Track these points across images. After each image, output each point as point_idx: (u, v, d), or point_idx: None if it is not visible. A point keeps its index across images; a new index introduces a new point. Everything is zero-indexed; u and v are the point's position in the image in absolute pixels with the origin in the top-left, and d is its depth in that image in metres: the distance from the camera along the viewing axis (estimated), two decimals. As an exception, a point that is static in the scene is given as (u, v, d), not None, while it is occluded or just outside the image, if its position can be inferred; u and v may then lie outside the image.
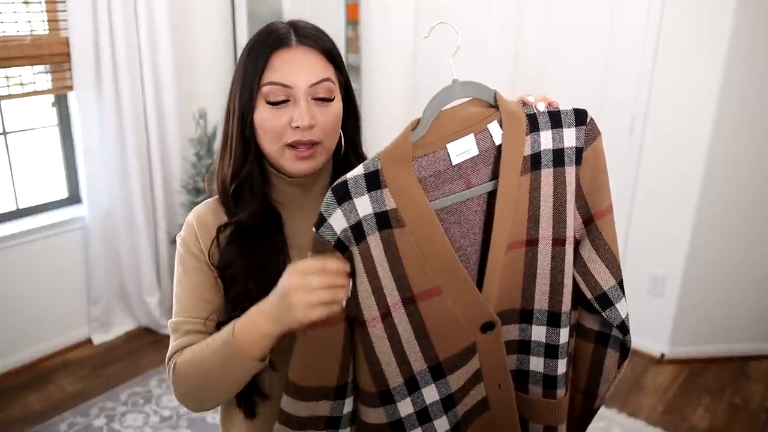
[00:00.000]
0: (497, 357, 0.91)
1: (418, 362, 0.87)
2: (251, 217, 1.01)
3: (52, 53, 2.73)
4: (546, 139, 0.89)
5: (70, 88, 2.82)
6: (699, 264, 2.87)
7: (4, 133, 2.78)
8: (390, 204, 0.82)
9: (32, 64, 2.70)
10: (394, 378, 0.87)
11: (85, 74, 2.78)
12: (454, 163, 0.85)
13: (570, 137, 0.90)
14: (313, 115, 0.96)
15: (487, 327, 0.89)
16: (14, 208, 2.88)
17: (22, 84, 2.72)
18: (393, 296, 0.85)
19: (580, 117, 0.91)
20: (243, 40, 3.31)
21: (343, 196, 0.82)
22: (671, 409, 2.67)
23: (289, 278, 0.83)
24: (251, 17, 3.31)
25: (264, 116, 0.97)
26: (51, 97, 2.92)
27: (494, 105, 0.90)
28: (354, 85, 1.09)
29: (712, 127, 2.66)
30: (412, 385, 0.89)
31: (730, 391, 2.80)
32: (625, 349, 1.00)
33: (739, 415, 2.65)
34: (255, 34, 1.01)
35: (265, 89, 0.97)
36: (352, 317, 0.87)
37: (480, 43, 3.19)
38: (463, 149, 0.85)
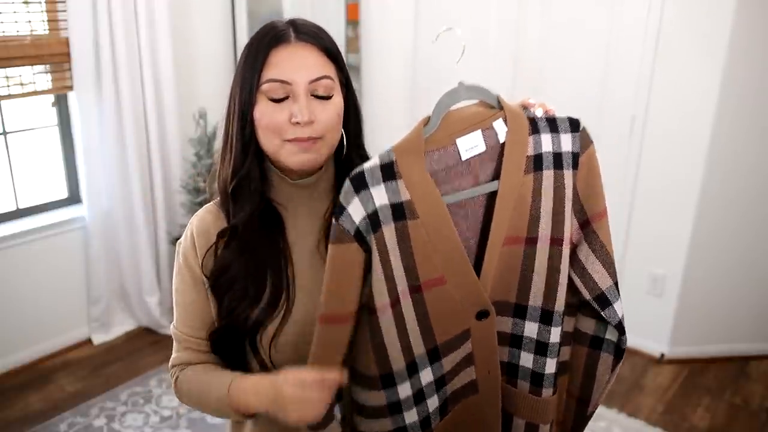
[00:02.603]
0: (489, 343, 0.96)
1: (418, 347, 0.92)
2: (249, 218, 1.00)
3: (52, 53, 2.73)
4: (546, 142, 0.93)
5: (70, 88, 2.82)
6: (699, 264, 2.87)
7: (4, 133, 2.78)
8: (405, 195, 0.86)
9: (32, 64, 2.70)
10: (398, 362, 0.91)
11: (85, 74, 2.78)
12: (463, 159, 0.89)
13: (567, 142, 0.95)
14: (312, 110, 0.96)
15: (482, 314, 0.94)
16: (14, 208, 2.88)
17: (22, 84, 2.72)
18: (402, 284, 0.88)
19: (575, 124, 0.96)
20: (243, 40, 3.31)
21: (360, 185, 0.85)
22: (671, 409, 2.67)
23: (288, 386, 0.89)
24: (251, 17, 3.31)
25: (263, 112, 0.97)
26: (51, 97, 2.92)
27: (498, 107, 0.94)
28: (354, 85, 1.08)
29: (712, 127, 2.66)
30: (412, 369, 0.93)
31: (730, 391, 2.80)
32: (619, 351, 1.02)
33: (739, 415, 2.65)
34: (254, 34, 1.01)
35: (264, 87, 0.96)
36: (364, 305, 0.90)
37: (480, 43, 3.19)
38: (471, 144, 0.89)
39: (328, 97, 0.98)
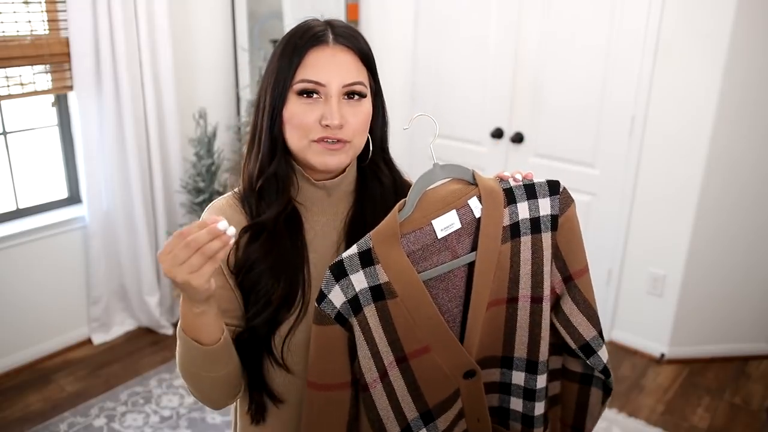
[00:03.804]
0: (477, 398, 1.01)
1: (411, 411, 0.96)
2: (276, 218, 1.00)
3: (52, 53, 2.73)
4: (523, 210, 0.98)
5: (70, 88, 2.82)
6: (699, 264, 2.87)
7: (4, 133, 2.78)
8: (383, 278, 0.91)
9: (32, 64, 2.70)
10: (393, 429, 0.96)
11: (85, 74, 2.77)
12: (439, 237, 0.94)
13: (545, 206, 0.99)
14: (343, 114, 0.96)
15: (469, 374, 0.98)
16: (14, 208, 2.88)
17: (22, 84, 2.72)
18: (388, 357, 0.94)
19: (554, 187, 1.00)
20: (243, 40, 3.31)
21: (340, 273, 0.91)
22: (671, 409, 2.67)
23: (162, 265, 0.85)
24: (251, 17, 3.31)
25: (294, 111, 0.97)
26: (51, 97, 2.92)
27: (473, 183, 0.98)
28: None
29: (712, 127, 2.66)
30: None
31: (730, 391, 2.80)
32: (607, 389, 1.08)
33: (739, 415, 2.65)
34: (290, 31, 1.01)
35: (297, 86, 0.96)
36: (356, 381, 0.95)
37: (480, 44, 3.19)
38: (446, 224, 0.94)
39: (359, 101, 0.98)
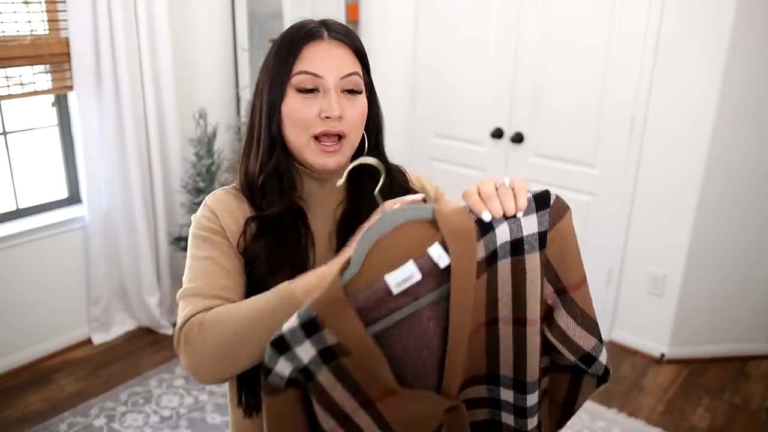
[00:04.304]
0: (462, 426, 0.93)
1: None
2: (283, 213, 1.01)
3: (52, 53, 2.73)
4: (502, 233, 0.85)
5: (70, 88, 2.82)
6: (699, 264, 2.87)
7: (4, 133, 2.78)
8: (332, 340, 0.81)
9: (32, 64, 2.70)
10: None
11: (85, 74, 2.78)
12: (395, 293, 0.81)
13: (530, 224, 0.86)
14: (342, 106, 0.98)
15: (452, 408, 0.90)
16: (14, 208, 2.88)
17: (22, 84, 2.72)
18: (350, 404, 0.85)
19: (542, 201, 0.86)
20: (243, 40, 3.31)
21: (282, 348, 0.82)
22: (671, 409, 2.67)
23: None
24: (251, 17, 3.31)
25: (292, 106, 0.98)
26: (51, 97, 2.92)
27: (435, 222, 0.84)
28: None
29: (712, 127, 2.66)
30: None
31: (730, 391, 2.80)
32: (602, 379, 1.00)
33: (739, 415, 2.65)
34: (285, 30, 1.02)
35: (295, 79, 0.98)
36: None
37: (480, 44, 3.19)
38: (402, 278, 0.81)
39: (356, 95, 1.00)
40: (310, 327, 0.81)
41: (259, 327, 0.87)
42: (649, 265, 2.97)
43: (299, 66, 0.97)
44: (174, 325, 3.18)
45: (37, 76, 2.76)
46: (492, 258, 0.86)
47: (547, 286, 0.91)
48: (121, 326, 3.18)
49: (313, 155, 0.99)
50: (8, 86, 2.67)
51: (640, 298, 3.03)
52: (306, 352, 0.82)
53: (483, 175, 3.34)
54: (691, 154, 2.73)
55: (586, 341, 0.94)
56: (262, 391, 0.84)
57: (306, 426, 0.87)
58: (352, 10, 3.44)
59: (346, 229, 1.03)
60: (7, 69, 2.63)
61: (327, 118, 0.96)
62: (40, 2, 2.70)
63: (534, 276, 0.88)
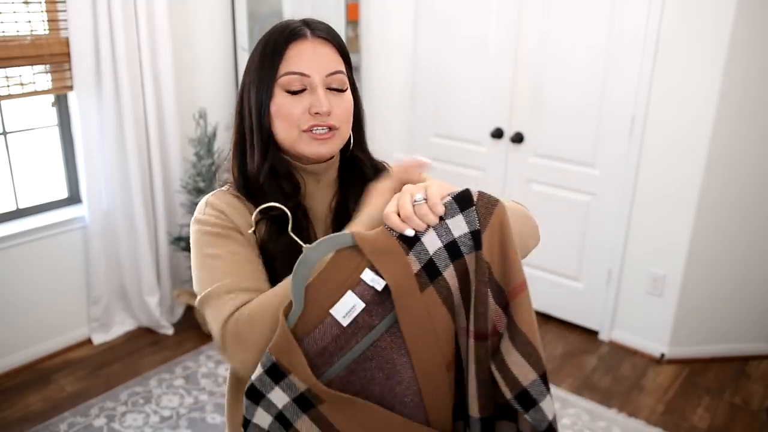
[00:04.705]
0: None
1: None
2: (292, 210, 1.00)
3: (52, 53, 2.73)
4: (431, 240, 0.83)
5: (70, 88, 2.82)
6: (699, 264, 2.87)
7: (4, 133, 2.78)
8: (302, 386, 0.81)
9: (32, 64, 2.70)
10: None
11: (85, 74, 2.78)
12: (345, 325, 0.82)
13: (458, 225, 0.83)
14: (330, 102, 0.99)
15: None
16: (14, 208, 2.88)
17: (22, 84, 2.72)
18: None
19: (464, 200, 0.83)
20: (243, 40, 3.31)
21: (256, 397, 0.83)
22: (671, 409, 2.67)
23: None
24: (251, 17, 3.31)
25: (281, 104, 0.99)
26: (51, 97, 2.92)
27: (356, 247, 0.84)
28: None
29: (712, 127, 2.66)
30: None
31: (730, 391, 2.80)
32: None
33: (739, 415, 2.65)
34: (268, 32, 1.04)
35: (282, 80, 0.99)
36: None
37: (480, 44, 3.19)
38: (347, 308, 0.82)
39: (342, 91, 1.02)
40: (274, 373, 0.81)
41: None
42: (649, 265, 2.97)
43: (285, 67, 0.99)
44: (174, 325, 3.18)
45: (37, 76, 2.76)
46: (431, 268, 0.83)
47: (496, 309, 0.84)
48: (121, 326, 3.18)
49: (304, 145, 1.00)
50: (8, 86, 2.67)
51: (640, 298, 3.03)
52: (279, 398, 0.82)
53: (483, 175, 3.35)
54: (691, 154, 2.73)
55: (522, 372, 0.81)
56: None
57: None
58: (352, 10, 3.44)
59: (341, 218, 1.05)
60: (7, 69, 2.64)
61: (316, 113, 0.98)
62: (40, 2, 2.70)
63: (475, 276, 0.84)
